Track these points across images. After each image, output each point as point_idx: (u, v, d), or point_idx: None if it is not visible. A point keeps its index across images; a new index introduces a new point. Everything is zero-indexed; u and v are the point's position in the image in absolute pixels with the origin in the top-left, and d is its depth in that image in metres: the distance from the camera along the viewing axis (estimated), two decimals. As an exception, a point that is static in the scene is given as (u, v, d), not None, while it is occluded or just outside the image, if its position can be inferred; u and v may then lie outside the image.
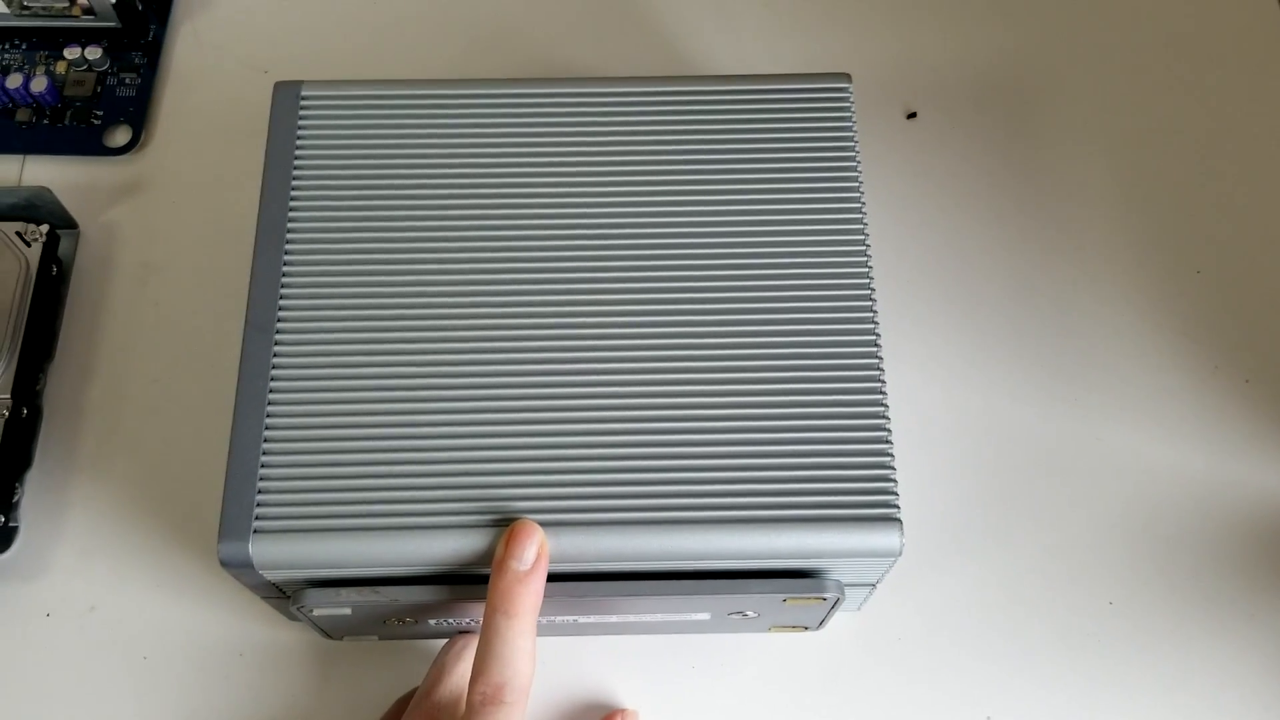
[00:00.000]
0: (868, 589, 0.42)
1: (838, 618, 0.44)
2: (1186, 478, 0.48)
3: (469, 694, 0.36)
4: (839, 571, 0.40)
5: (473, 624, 0.42)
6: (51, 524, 0.47)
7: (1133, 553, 0.47)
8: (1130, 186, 0.53)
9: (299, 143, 0.43)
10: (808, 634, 0.45)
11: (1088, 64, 0.56)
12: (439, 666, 0.41)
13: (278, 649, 0.45)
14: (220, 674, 0.45)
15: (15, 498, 0.47)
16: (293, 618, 0.43)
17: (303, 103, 0.44)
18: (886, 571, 0.40)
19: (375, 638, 0.44)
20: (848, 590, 0.40)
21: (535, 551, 0.37)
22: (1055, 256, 0.52)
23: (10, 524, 0.47)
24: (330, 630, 0.42)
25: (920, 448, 0.48)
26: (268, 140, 0.43)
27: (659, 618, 0.42)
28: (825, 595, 0.39)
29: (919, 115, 0.55)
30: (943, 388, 0.50)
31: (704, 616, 0.42)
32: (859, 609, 0.45)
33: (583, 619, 0.42)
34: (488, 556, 0.37)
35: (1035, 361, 0.50)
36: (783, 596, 0.39)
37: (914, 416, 0.48)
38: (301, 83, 0.44)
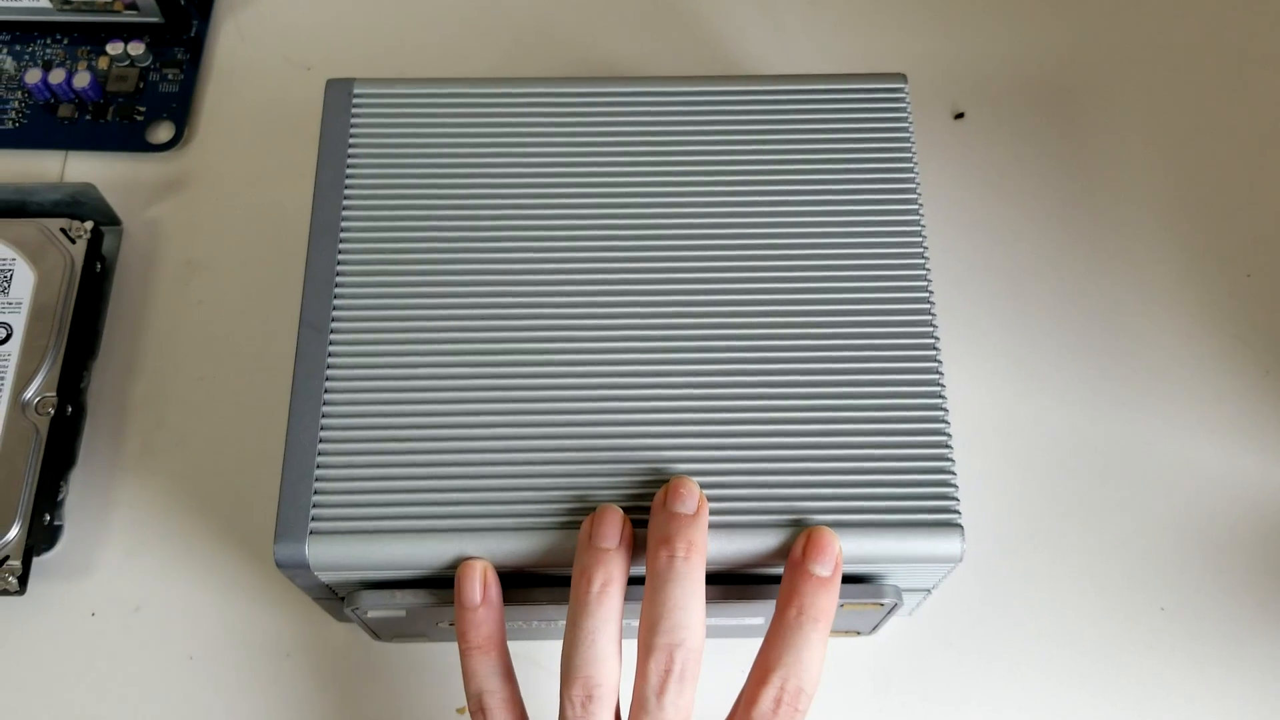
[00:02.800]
0: (923, 594, 0.42)
1: (889, 623, 0.44)
2: (1238, 482, 0.48)
3: (754, 690, 0.36)
4: (897, 576, 0.39)
5: (538, 625, 0.41)
6: (97, 522, 0.47)
7: (1185, 558, 0.46)
8: (1181, 188, 0.53)
9: (352, 140, 0.43)
10: (859, 639, 0.44)
11: (1138, 64, 0.56)
12: None
13: (325, 650, 0.45)
14: (267, 675, 0.45)
15: (60, 496, 0.47)
16: (344, 619, 0.43)
17: (355, 100, 0.44)
18: (945, 577, 0.40)
19: (425, 639, 0.44)
20: (904, 595, 0.40)
21: (835, 560, 0.36)
22: (1105, 258, 0.52)
23: (55, 522, 0.46)
24: (380, 632, 0.42)
25: (969, 451, 0.47)
26: (321, 137, 0.43)
27: (712, 621, 0.41)
28: (883, 600, 0.39)
29: (966, 115, 0.54)
30: (991, 390, 0.49)
31: (758, 621, 0.41)
32: (911, 614, 0.45)
33: (634, 622, 0.41)
34: (547, 556, 0.37)
35: (1086, 364, 0.50)
36: (840, 601, 0.39)
37: (962, 419, 0.48)
38: (354, 80, 0.44)
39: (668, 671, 0.35)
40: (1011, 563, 0.46)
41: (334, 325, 0.40)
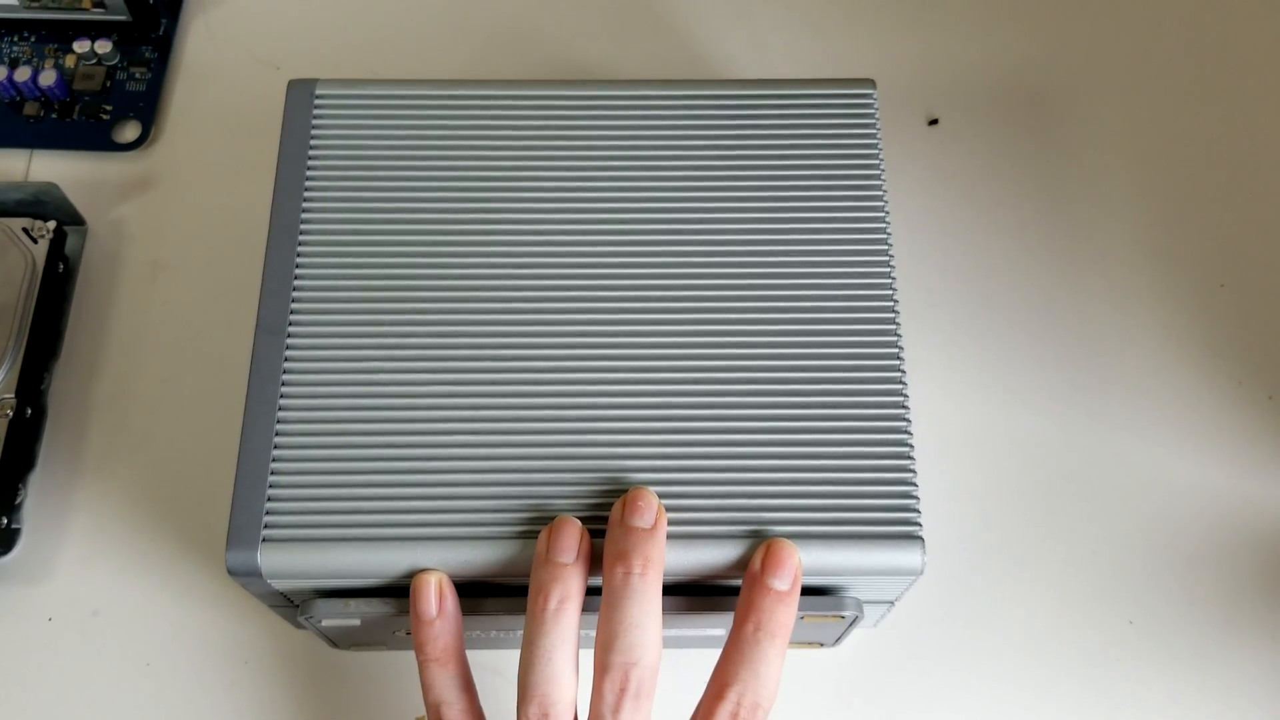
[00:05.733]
0: (886, 606, 0.41)
1: (853, 635, 0.44)
2: (1208, 494, 0.47)
3: (710, 705, 0.35)
4: (858, 589, 0.39)
5: (496, 635, 0.41)
6: (55, 526, 0.46)
7: (1153, 571, 0.46)
8: (1154, 197, 0.53)
9: (313, 142, 0.42)
10: (823, 650, 0.44)
11: (1112, 72, 0.55)
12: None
13: (284, 657, 0.44)
14: (225, 682, 0.44)
15: (18, 499, 0.46)
16: (300, 626, 0.42)
17: (317, 101, 0.43)
18: (906, 590, 0.39)
19: (383, 648, 0.43)
20: (866, 608, 0.40)
21: (793, 574, 0.36)
22: (1077, 267, 0.51)
23: (13, 526, 0.46)
24: (338, 640, 0.42)
25: (937, 462, 0.47)
26: (281, 139, 0.42)
27: (673, 632, 0.41)
28: (844, 613, 0.38)
29: (941, 122, 0.54)
30: (960, 400, 0.49)
31: (719, 632, 0.41)
32: (875, 626, 0.44)
33: (593, 632, 0.41)
34: (504, 566, 0.37)
35: (1056, 375, 0.49)
36: (801, 614, 0.38)
37: (931, 429, 0.47)
38: (316, 81, 0.43)
39: (623, 690, 0.34)
40: (978, 574, 0.46)
41: (291, 329, 0.39)
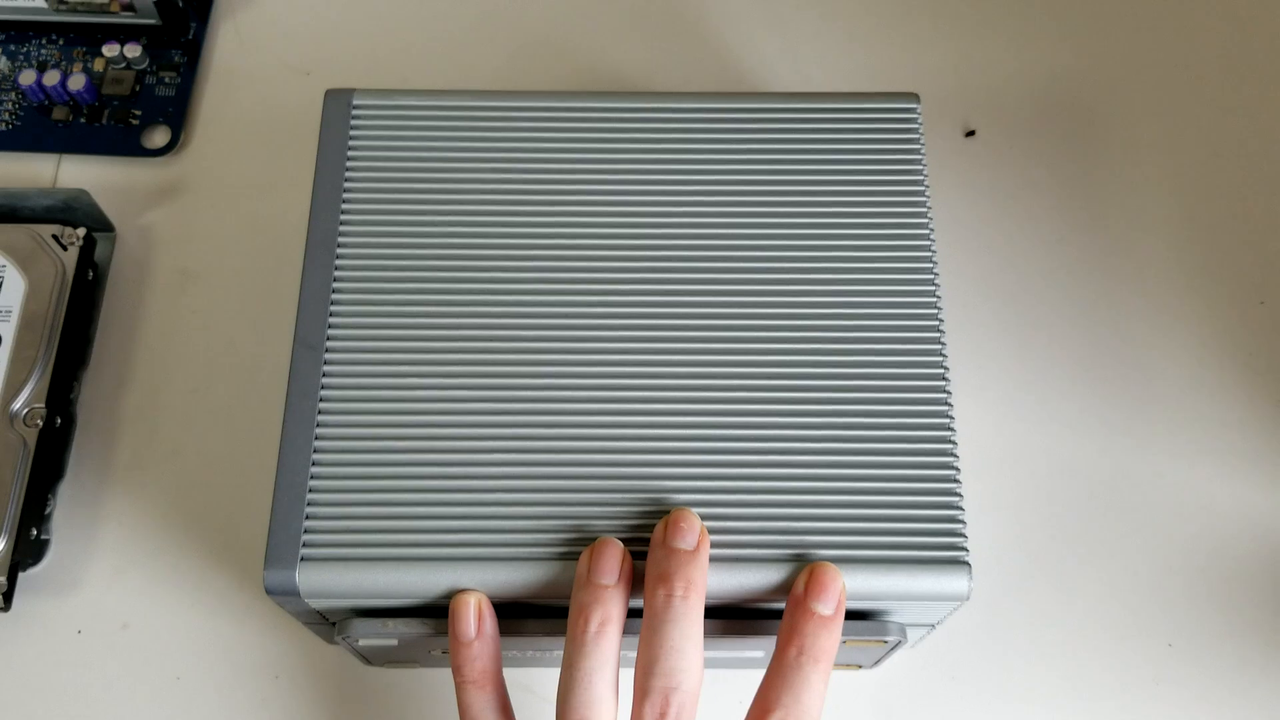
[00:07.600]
0: (927, 629, 0.41)
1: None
2: (1249, 516, 0.47)
3: None
4: (901, 613, 0.38)
5: (533, 654, 0.40)
6: (84, 537, 0.46)
7: (1193, 593, 0.46)
8: (1193, 212, 0.52)
9: (350, 153, 0.42)
10: (861, 671, 0.44)
11: (1151, 84, 0.55)
12: None
13: (315, 673, 0.44)
14: (255, 697, 0.44)
15: (47, 510, 0.46)
16: (334, 643, 0.42)
17: (354, 111, 0.43)
18: (950, 614, 0.39)
19: (417, 665, 0.43)
20: (908, 631, 0.39)
21: (838, 598, 0.36)
22: (1115, 283, 0.51)
23: (42, 537, 0.45)
24: (372, 658, 0.41)
25: (973, 480, 0.46)
26: (318, 150, 0.42)
27: (711, 654, 0.40)
28: (887, 638, 0.38)
29: (978, 133, 0.53)
30: (997, 417, 0.48)
31: (758, 654, 0.40)
32: (914, 647, 0.44)
33: (633, 653, 0.41)
34: (544, 588, 0.36)
35: (1094, 392, 0.49)
36: (843, 638, 0.38)
37: (967, 447, 0.47)
38: (353, 91, 0.43)
39: (663, 715, 0.34)
40: (1016, 595, 0.45)
41: (329, 344, 0.39)
